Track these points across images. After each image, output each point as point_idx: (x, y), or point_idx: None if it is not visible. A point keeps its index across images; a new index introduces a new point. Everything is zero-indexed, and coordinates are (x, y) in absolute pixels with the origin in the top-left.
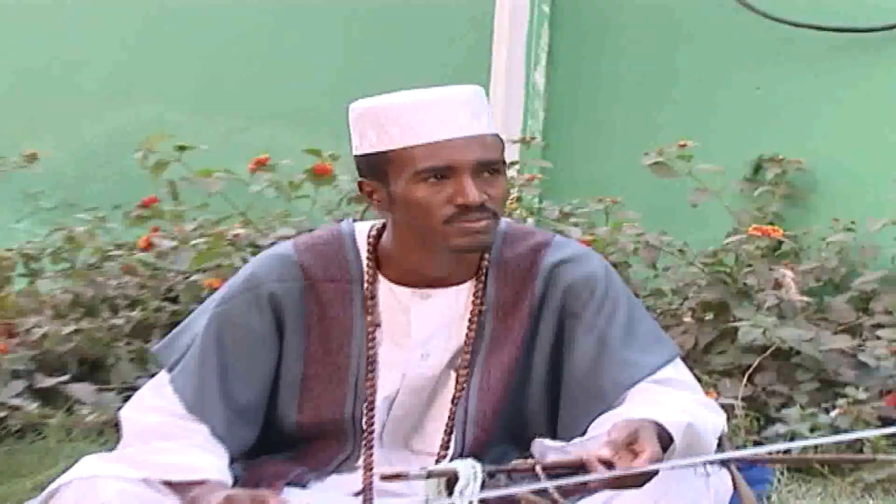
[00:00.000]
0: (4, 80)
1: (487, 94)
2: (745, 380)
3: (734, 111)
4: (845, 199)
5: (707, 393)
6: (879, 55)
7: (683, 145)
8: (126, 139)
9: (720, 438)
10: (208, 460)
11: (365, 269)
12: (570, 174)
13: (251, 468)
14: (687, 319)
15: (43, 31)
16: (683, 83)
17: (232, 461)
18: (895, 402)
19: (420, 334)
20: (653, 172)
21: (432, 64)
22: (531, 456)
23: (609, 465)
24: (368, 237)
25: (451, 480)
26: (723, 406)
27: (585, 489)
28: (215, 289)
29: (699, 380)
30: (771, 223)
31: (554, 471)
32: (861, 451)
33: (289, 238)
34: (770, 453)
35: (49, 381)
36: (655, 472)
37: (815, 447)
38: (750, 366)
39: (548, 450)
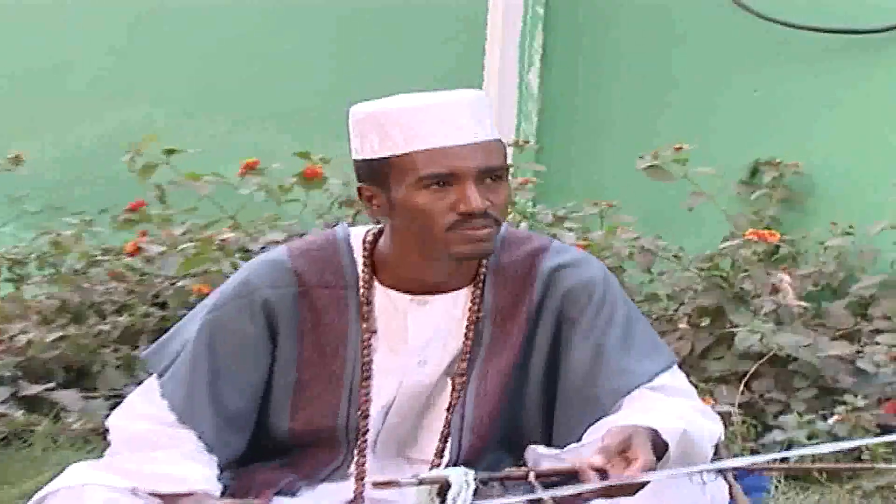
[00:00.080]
0: None
1: None
2: (741, 386)
3: (731, 114)
4: (843, 203)
5: (703, 400)
6: (878, 56)
7: (679, 148)
8: (113, 142)
9: (717, 446)
10: (197, 470)
11: (361, 274)
12: (564, 177)
13: (241, 476)
14: (683, 325)
15: (30, 32)
16: (680, 85)
17: (221, 469)
18: (894, 409)
19: (417, 341)
20: (648, 176)
21: (425, 65)
22: (525, 463)
23: (602, 472)
24: (364, 242)
25: (444, 488)
26: (719, 413)
27: (580, 498)
28: (204, 294)
29: (695, 386)
30: (768, 227)
31: (548, 478)
32: (859, 458)
33: (278, 242)
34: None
35: (35, 389)
36: (648, 481)
37: (813, 455)
38: (747, 372)
39: (542, 457)
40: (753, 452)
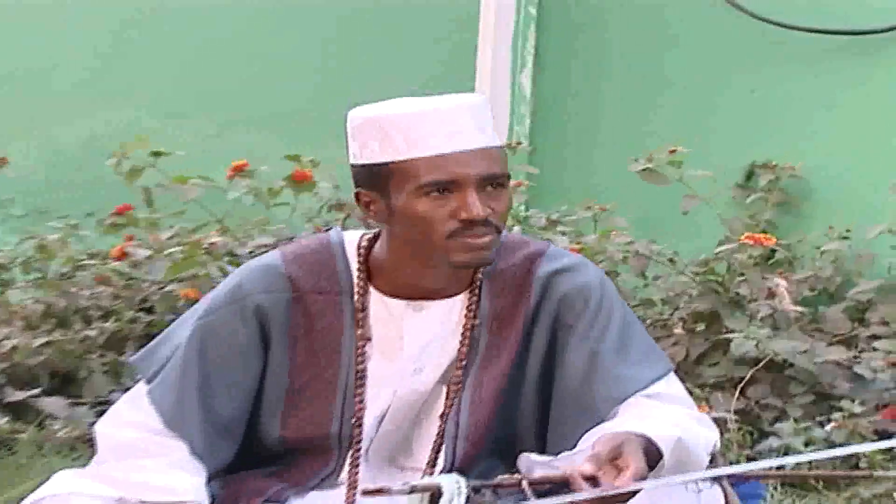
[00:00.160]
0: None
1: None
2: (737, 393)
3: (726, 116)
4: (840, 206)
5: (699, 407)
6: (876, 57)
7: (674, 151)
8: (100, 145)
9: (714, 455)
10: (185, 480)
11: (355, 280)
12: (557, 181)
13: (229, 485)
14: (677, 330)
15: (15, 34)
16: (675, 86)
17: (210, 478)
18: (892, 415)
19: (412, 348)
20: (642, 179)
21: (416, 66)
22: (518, 471)
23: (594, 480)
24: (359, 247)
25: (435, 496)
26: (715, 420)
27: None
28: (191, 299)
29: (690, 393)
30: (764, 231)
31: (541, 486)
32: (857, 465)
33: (267, 246)
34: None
35: (20, 395)
36: (639, 489)
37: (810, 462)
38: (742, 378)
39: (535, 464)
40: (749, 459)
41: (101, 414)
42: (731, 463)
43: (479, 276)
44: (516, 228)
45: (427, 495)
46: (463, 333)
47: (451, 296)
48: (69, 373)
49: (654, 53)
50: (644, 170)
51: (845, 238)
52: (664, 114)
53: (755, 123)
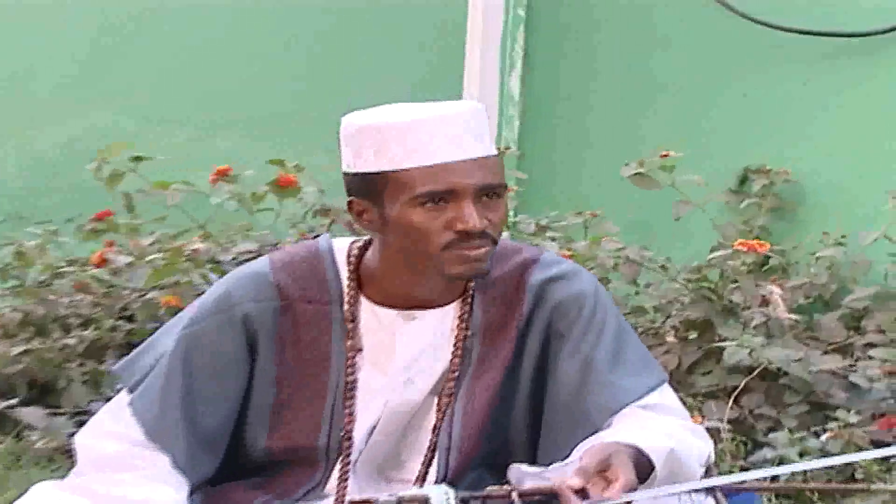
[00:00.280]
0: None
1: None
2: (730, 402)
3: (719, 119)
4: (835, 212)
5: (691, 416)
6: (871, 60)
7: (666, 155)
8: (79, 149)
9: (708, 467)
10: (167, 493)
11: (345, 289)
12: (546, 186)
13: (213, 497)
14: (670, 339)
15: None
16: (666, 90)
17: (192, 490)
18: (888, 425)
19: (404, 359)
20: (634, 184)
21: (403, 68)
22: (508, 482)
23: (583, 492)
24: (349, 255)
25: None
26: (707, 430)
27: None
28: (173, 307)
29: (682, 402)
30: (757, 237)
31: (531, 498)
32: (853, 475)
33: (251, 252)
34: (759, 480)
35: None
36: (629, 500)
37: (805, 472)
38: (736, 387)
39: (525, 476)
40: (743, 470)
41: (80, 424)
42: (724, 474)
43: (472, 285)
44: (505, 234)
45: None
46: (455, 344)
47: (442, 305)
48: (48, 382)
49: (645, 55)
50: (635, 174)
51: (840, 244)
52: (656, 118)
53: (748, 127)
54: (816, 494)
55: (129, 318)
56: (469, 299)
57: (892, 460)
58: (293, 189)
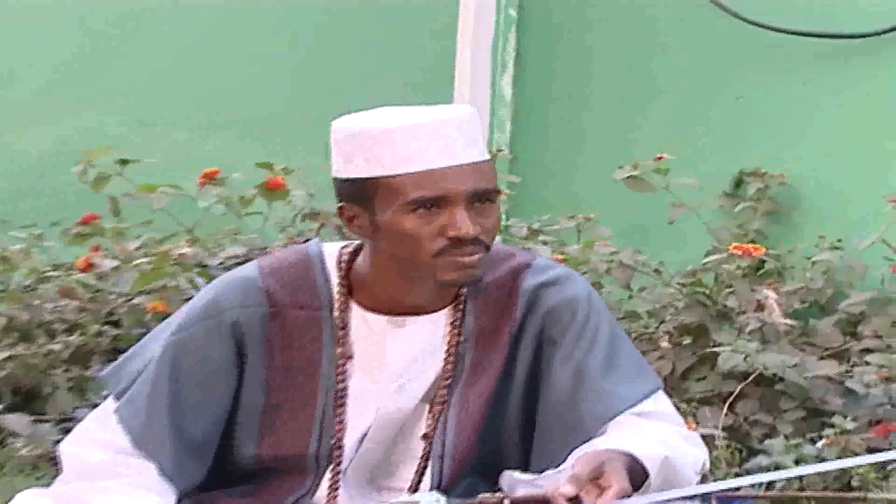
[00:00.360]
0: None
1: (450, 103)
2: (725, 408)
3: (714, 122)
4: (831, 216)
5: (686, 423)
6: (868, 62)
7: (660, 158)
8: (64, 152)
9: (704, 476)
10: (153, 502)
11: (336, 295)
12: (539, 189)
13: None
14: (664, 344)
15: None
16: (660, 92)
17: (180, 499)
18: (885, 432)
19: (395, 365)
20: (627, 187)
21: (393, 69)
22: (500, 489)
23: (576, 500)
24: (339, 261)
25: None
26: (702, 436)
27: None
28: (159, 312)
29: (676, 408)
30: (752, 241)
31: None
32: (849, 482)
33: (239, 256)
34: (755, 486)
35: None
36: None
37: (801, 479)
38: (731, 393)
39: (517, 483)
40: (738, 477)
41: (65, 431)
42: (719, 481)
43: (464, 291)
44: (497, 239)
45: None
46: (447, 350)
47: (434, 311)
48: (32, 388)
49: (638, 57)
50: (629, 177)
51: (836, 249)
52: (650, 120)
53: (743, 130)
54: (812, 502)
55: (116, 324)
56: (461, 305)
57: (888, 467)
58: (282, 192)
